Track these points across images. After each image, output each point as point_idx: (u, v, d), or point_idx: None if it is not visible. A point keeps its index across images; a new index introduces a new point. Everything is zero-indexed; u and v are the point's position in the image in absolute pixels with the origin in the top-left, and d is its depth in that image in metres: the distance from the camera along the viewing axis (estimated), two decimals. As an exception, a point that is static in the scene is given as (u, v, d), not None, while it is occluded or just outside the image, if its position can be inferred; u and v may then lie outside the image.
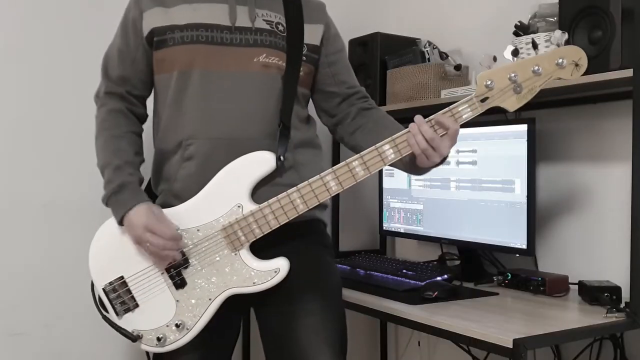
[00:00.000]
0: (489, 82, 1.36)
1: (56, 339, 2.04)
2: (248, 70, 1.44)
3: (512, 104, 1.37)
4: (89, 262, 1.47)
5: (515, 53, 1.37)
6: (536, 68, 1.35)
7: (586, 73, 1.59)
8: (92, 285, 1.47)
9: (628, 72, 1.53)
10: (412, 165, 1.44)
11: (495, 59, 1.38)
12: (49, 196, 2.03)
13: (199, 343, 1.45)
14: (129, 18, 1.50)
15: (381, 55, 2.34)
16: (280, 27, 1.49)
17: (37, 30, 2.01)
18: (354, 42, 2.44)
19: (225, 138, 1.43)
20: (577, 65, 1.35)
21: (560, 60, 1.34)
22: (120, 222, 1.42)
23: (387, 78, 2.32)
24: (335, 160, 2.55)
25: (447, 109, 1.38)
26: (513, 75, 1.35)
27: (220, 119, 1.43)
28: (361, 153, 1.39)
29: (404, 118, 2.38)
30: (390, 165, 1.42)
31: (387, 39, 2.37)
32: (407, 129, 1.39)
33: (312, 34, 1.53)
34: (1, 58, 1.97)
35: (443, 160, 1.41)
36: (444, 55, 2.27)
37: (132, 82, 1.52)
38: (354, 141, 1.60)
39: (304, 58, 1.51)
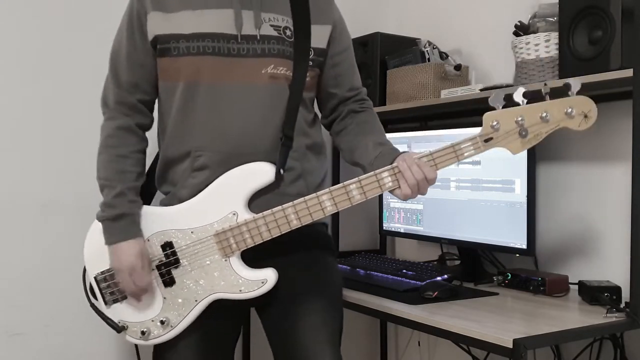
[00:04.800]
0: (495, 123, 1.34)
1: (56, 339, 2.04)
2: (256, 83, 1.43)
3: (516, 147, 1.36)
4: (84, 249, 1.48)
5: (526, 95, 1.34)
6: (544, 114, 1.33)
7: (586, 73, 1.60)
8: (84, 272, 1.49)
9: (628, 72, 1.53)
10: None
11: (505, 98, 1.36)
12: (49, 196, 2.03)
13: (199, 344, 1.46)
14: (134, 19, 1.45)
15: (381, 55, 2.34)
16: (288, 32, 1.46)
17: (37, 29, 2.01)
18: (354, 42, 2.41)
19: (235, 150, 1.42)
20: (586, 116, 1.33)
21: (570, 110, 1.33)
22: (107, 244, 1.43)
23: (387, 78, 2.32)
24: (335, 161, 2.55)
25: (450, 144, 1.37)
26: (520, 119, 1.34)
27: (230, 131, 1.42)
28: (359, 177, 1.39)
29: (404, 118, 2.41)
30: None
31: (387, 39, 2.37)
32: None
33: (319, 37, 1.51)
34: (1, 58, 1.97)
35: None
36: (444, 55, 2.27)
37: (142, 88, 1.49)
38: (337, 141, 1.62)
39: (311, 63, 1.49)
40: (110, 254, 1.43)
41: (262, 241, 1.41)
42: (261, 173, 1.42)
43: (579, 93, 1.34)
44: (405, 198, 1.39)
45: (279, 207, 1.39)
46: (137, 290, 1.42)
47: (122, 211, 1.42)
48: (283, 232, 1.40)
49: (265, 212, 1.40)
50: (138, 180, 1.49)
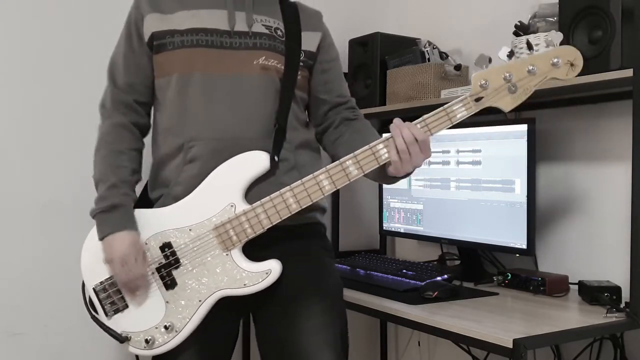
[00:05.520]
0: (484, 82, 1.36)
1: (55, 339, 2.04)
2: (248, 72, 1.45)
3: (506, 104, 1.37)
4: (81, 260, 1.46)
5: (510, 55, 1.36)
6: (531, 68, 1.35)
7: (586, 73, 1.60)
8: (83, 285, 1.47)
9: (628, 72, 1.53)
10: (382, 173, 1.43)
11: (490, 60, 1.38)
12: (48, 196, 2.03)
13: (198, 347, 1.44)
14: (132, 23, 1.50)
15: (381, 55, 2.34)
16: (279, 32, 1.50)
17: (37, 30, 2.01)
18: (354, 42, 2.44)
19: (226, 139, 1.43)
20: (572, 65, 1.35)
21: (556, 60, 1.34)
22: (101, 239, 1.42)
23: (387, 78, 2.32)
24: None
25: (441, 108, 1.38)
26: (508, 75, 1.35)
27: (221, 121, 1.43)
28: (355, 152, 1.39)
29: (404, 118, 2.40)
30: (364, 175, 1.41)
31: (387, 39, 2.37)
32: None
33: (309, 41, 1.55)
34: (2, 59, 1.97)
35: (409, 173, 1.42)
36: (444, 55, 2.27)
37: (139, 90, 1.52)
38: (333, 150, 1.61)
39: (301, 63, 1.52)
40: (104, 247, 1.41)
41: (262, 230, 1.40)
42: (257, 160, 1.42)
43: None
44: (397, 167, 1.37)
45: (277, 193, 1.39)
46: (130, 282, 1.40)
47: (115, 202, 1.42)
48: (283, 218, 1.39)
49: (263, 200, 1.39)
50: (133, 176, 1.49)
